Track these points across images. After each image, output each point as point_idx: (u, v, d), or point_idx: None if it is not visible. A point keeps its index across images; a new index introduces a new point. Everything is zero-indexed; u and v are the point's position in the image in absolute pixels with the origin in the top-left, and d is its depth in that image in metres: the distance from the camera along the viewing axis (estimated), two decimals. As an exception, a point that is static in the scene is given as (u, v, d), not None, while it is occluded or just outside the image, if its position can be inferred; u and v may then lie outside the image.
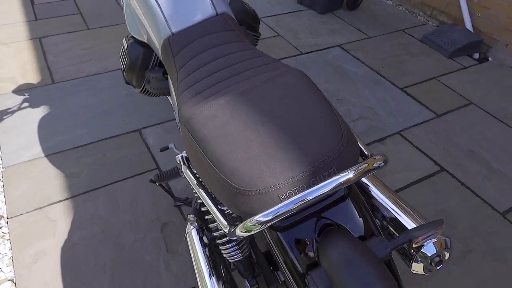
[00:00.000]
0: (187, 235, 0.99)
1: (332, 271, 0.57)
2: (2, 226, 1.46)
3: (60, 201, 1.56)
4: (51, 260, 1.36)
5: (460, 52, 2.55)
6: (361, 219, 0.67)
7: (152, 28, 1.08)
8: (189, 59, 0.98)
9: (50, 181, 1.63)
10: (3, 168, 1.68)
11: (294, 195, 0.57)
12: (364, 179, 1.08)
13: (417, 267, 0.84)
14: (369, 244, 0.61)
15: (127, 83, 1.38)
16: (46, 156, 1.74)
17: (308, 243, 0.64)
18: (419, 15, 3.06)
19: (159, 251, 1.41)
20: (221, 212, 0.67)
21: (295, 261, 0.64)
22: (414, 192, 1.69)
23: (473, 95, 2.27)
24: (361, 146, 0.75)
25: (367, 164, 0.59)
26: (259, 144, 0.65)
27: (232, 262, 0.94)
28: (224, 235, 0.91)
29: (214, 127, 0.71)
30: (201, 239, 0.96)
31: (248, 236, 0.86)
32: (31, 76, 2.20)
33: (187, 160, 0.91)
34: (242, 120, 0.70)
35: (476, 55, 2.61)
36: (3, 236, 1.44)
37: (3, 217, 1.50)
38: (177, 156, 0.93)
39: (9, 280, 1.30)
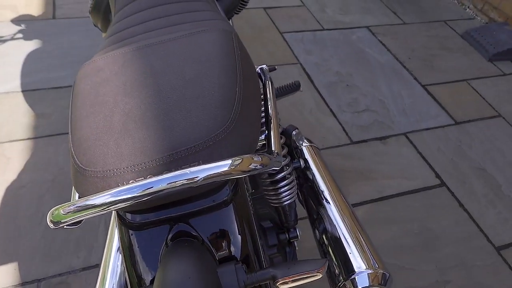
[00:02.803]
0: None
1: None
2: (-43, 154, 1.42)
3: (22, 139, 1.49)
4: (-7, 198, 1.30)
5: (502, 56, 2.23)
6: (235, 231, 0.51)
7: None
8: (128, 3, 0.83)
9: (19, 117, 1.56)
10: (-23, 95, 1.62)
11: None
12: (318, 176, 0.92)
13: None
14: (221, 271, 0.46)
15: (94, 25, 1.25)
16: (23, 91, 1.67)
17: (157, 250, 0.50)
18: (468, 7, 2.71)
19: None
20: None
21: (138, 268, 0.50)
22: (403, 203, 1.49)
23: (504, 107, 1.99)
24: (273, 141, 0.58)
25: (239, 161, 0.43)
26: (123, 114, 0.50)
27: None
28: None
29: (92, 82, 0.57)
30: None
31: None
32: (34, 8, 2.11)
33: None
34: (124, 79, 0.55)
35: (523, 63, 2.28)
36: (-45, 164, 1.39)
37: (-39, 145, 1.45)
38: None
39: None
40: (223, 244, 0.50)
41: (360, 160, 1.62)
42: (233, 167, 0.43)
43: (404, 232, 1.40)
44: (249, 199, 0.57)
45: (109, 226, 1.27)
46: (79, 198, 0.49)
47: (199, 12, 0.76)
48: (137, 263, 0.50)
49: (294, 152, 1.00)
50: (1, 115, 1.56)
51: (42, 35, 1.95)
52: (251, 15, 2.32)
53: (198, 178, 0.42)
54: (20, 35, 1.93)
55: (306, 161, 0.99)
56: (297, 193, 1.02)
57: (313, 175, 0.96)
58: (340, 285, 0.69)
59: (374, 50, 2.22)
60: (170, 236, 0.50)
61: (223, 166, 0.42)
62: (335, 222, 0.83)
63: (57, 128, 1.54)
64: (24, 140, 1.49)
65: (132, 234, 0.50)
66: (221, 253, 0.50)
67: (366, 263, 0.70)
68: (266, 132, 0.59)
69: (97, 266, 1.18)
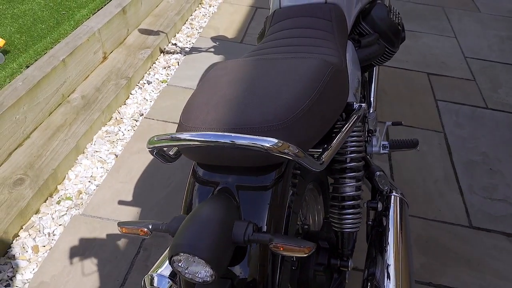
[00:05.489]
0: None
1: (184, 221, 0.58)
2: (138, 121, 1.89)
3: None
4: (146, 158, 1.69)
5: None
6: (264, 213, 0.63)
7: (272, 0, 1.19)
8: (276, 31, 1.05)
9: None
10: (167, 84, 2.12)
11: None
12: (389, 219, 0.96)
13: None
14: (237, 224, 0.58)
15: None
16: (196, 90, 2.10)
17: (206, 196, 0.66)
18: None
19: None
20: None
21: (188, 202, 0.67)
22: (507, 310, 1.29)
23: None
24: (325, 153, 0.68)
25: (280, 144, 0.55)
26: (222, 97, 0.69)
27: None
28: None
29: (215, 74, 0.78)
30: None
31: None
32: (231, 31, 2.62)
33: None
34: (234, 76, 0.75)
35: None
36: (134, 127, 1.86)
37: (143, 115, 1.92)
38: None
39: (115, 154, 1.70)
40: (250, 211, 0.63)
41: (473, 248, 1.47)
42: (273, 146, 0.55)
43: None
44: (286, 198, 0.68)
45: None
46: None
47: (322, 40, 0.92)
48: (191, 202, 0.67)
49: (377, 193, 1.04)
50: (176, 102, 2.00)
51: (228, 53, 2.41)
52: (411, 76, 2.34)
53: (244, 143, 0.56)
54: (212, 50, 2.43)
55: (387, 208, 1.02)
56: (367, 235, 1.05)
57: (388, 223, 0.98)
58: None
59: (541, 143, 1.96)
60: (216, 190, 0.65)
61: (266, 141, 0.56)
62: (385, 270, 0.85)
63: (208, 124, 1.89)
64: (182, 124, 1.88)
65: (195, 184, 0.68)
66: (247, 217, 0.63)
67: None
68: (325, 145, 0.70)
69: (190, 234, 1.42)
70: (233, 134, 0.57)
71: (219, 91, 0.71)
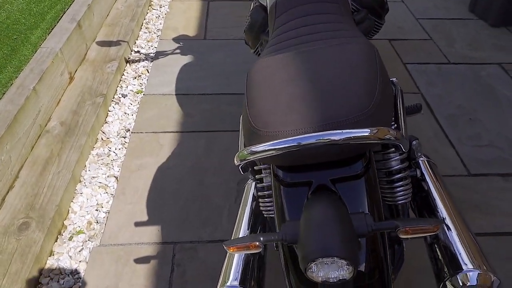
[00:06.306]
0: (245, 185, 1.08)
1: (303, 227, 0.57)
2: (126, 137, 1.80)
3: (172, 131, 1.82)
4: (148, 173, 1.62)
5: None
6: (364, 200, 0.64)
7: None
8: (286, 22, 1.04)
9: (171, 114, 1.91)
10: (143, 94, 2.04)
11: None
12: (428, 178, 0.99)
13: None
14: (353, 217, 0.59)
15: (245, 43, 1.51)
16: (176, 94, 2.04)
17: (301, 201, 0.65)
18: None
19: (228, 199, 1.54)
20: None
21: (285, 208, 0.66)
22: (509, 242, 1.42)
23: None
24: (403, 127, 0.70)
25: (376, 131, 0.56)
26: (290, 96, 0.68)
27: (267, 217, 0.98)
28: (263, 187, 0.96)
29: (263, 75, 0.76)
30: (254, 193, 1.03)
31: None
32: (190, 30, 2.55)
33: None
34: (288, 73, 0.74)
35: None
36: (124, 144, 1.77)
37: (129, 130, 1.83)
38: None
39: (114, 177, 1.61)
40: (352, 202, 0.64)
41: (477, 193, 1.59)
42: (370, 134, 0.56)
43: (520, 272, 1.33)
44: (377, 181, 0.69)
45: (238, 207, 1.48)
46: None
47: (338, 24, 0.93)
48: (288, 206, 0.66)
49: (411, 162, 1.08)
50: (159, 111, 1.93)
51: (194, 52, 2.35)
52: (376, 45, 2.43)
53: (340, 138, 0.56)
54: (178, 51, 2.35)
55: (422, 173, 1.07)
56: (410, 202, 1.09)
57: (429, 186, 1.03)
58: (445, 280, 0.75)
59: (505, 87, 2.13)
60: (311, 191, 0.65)
61: (362, 132, 0.56)
62: (446, 227, 0.89)
63: (198, 126, 1.85)
64: (173, 132, 1.82)
65: (285, 187, 0.67)
66: (351, 208, 0.64)
67: (475, 264, 0.76)
68: (395, 125, 0.71)
69: (221, 241, 1.40)
70: (333, 131, 0.57)
71: (283, 91, 0.70)
